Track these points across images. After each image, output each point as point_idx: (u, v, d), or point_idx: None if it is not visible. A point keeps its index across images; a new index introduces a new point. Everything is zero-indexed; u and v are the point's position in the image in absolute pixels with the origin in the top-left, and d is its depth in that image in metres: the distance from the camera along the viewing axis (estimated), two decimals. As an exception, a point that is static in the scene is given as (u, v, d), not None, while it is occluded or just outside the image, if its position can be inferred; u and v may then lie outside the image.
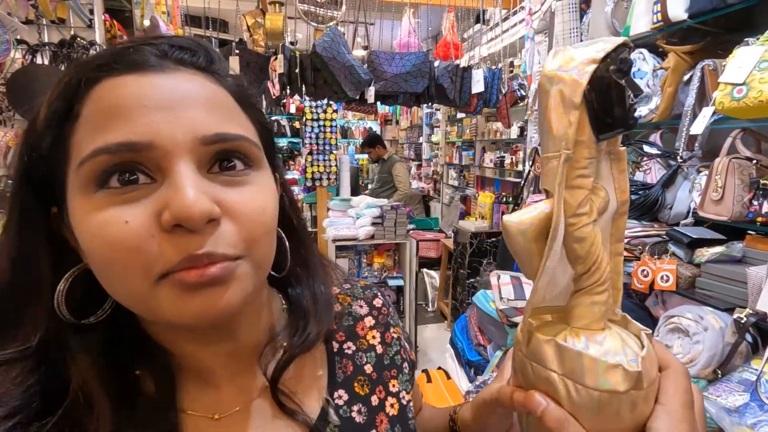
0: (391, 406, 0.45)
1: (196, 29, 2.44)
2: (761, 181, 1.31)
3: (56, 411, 0.30)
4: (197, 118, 0.30)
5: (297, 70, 2.01)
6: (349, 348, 0.46)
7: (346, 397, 0.43)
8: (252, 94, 0.37)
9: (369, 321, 0.49)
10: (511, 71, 2.87)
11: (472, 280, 3.16)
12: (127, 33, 1.80)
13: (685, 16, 1.48)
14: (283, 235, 0.39)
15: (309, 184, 3.14)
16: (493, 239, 3.14)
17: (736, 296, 1.28)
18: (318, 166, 3.12)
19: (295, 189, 5.88)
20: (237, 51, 1.94)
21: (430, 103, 2.48)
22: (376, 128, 7.09)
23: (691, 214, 1.52)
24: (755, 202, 1.31)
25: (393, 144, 7.57)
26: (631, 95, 0.33)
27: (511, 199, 3.23)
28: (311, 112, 3.00)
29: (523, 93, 2.49)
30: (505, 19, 3.11)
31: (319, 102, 2.95)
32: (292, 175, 6.58)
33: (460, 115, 4.52)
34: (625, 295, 1.72)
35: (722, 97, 1.21)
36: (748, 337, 1.26)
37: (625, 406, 0.32)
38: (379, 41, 2.98)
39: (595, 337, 0.35)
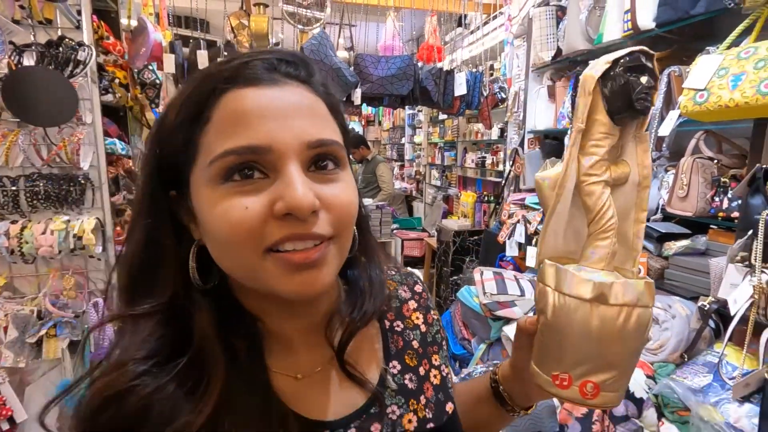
0: (434, 376, 0.52)
1: (181, 30, 2.43)
2: (722, 179, 1.41)
3: (182, 358, 0.37)
4: (304, 126, 0.37)
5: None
6: (398, 326, 0.53)
7: (399, 367, 0.49)
8: (337, 101, 0.44)
9: (412, 304, 0.55)
10: (491, 74, 2.96)
11: (455, 277, 3.24)
12: (113, 33, 1.79)
13: (652, 25, 1.58)
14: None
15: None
16: (476, 237, 3.23)
17: (701, 286, 1.38)
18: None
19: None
20: (225, 52, 1.95)
21: (414, 105, 2.54)
22: (358, 129, 7.12)
23: (660, 210, 1.62)
24: (717, 199, 1.42)
25: (375, 144, 7.61)
26: (638, 89, 0.43)
27: (492, 198, 3.32)
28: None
29: (504, 95, 2.58)
30: (485, 23, 3.20)
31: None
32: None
33: (441, 117, 4.60)
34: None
35: (686, 101, 1.31)
36: (712, 323, 1.36)
37: (594, 320, 0.42)
38: (363, 43, 3.03)
39: (591, 269, 0.46)
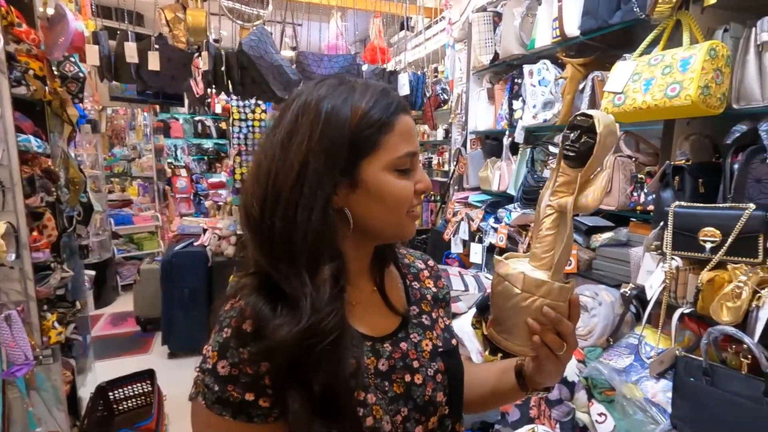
0: (443, 321, 0.70)
1: (108, 21, 2.27)
2: (639, 176, 1.54)
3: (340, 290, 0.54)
4: (417, 141, 0.59)
5: (223, 68, 1.96)
6: (416, 285, 0.71)
7: (417, 310, 0.68)
8: None
9: (426, 273, 0.74)
10: (436, 77, 3.03)
11: (404, 276, 3.27)
12: (27, 21, 1.63)
13: (578, 32, 1.69)
14: None
15: (238, 185, 3.05)
16: (424, 236, 3.28)
17: (623, 274, 1.50)
18: (247, 167, 3.04)
19: (223, 192, 5.64)
20: (157, 46, 1.85)
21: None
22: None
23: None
24: (635, 194, 1.54)
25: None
26: (566, 143, 0.59)
27: (438, 197, 3.39)
28: (238, 112, 2.92)
29: (446, 97, 2.64)
30: (428, 27, 3.27)
31: (246, 102, 2.88)
32: (219, 177, 6.29)
33: (389, 118, 4.65)
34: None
35: (607, 104, 1.41)
36: (633, 308, 1.48)
37: (519, 300, 0.58)
38: (307, 42, 2.99)
39: (529, 266, 0.60)
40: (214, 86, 2.04)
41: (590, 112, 0.55)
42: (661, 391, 1.23)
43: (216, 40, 3.08)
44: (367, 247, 0.62)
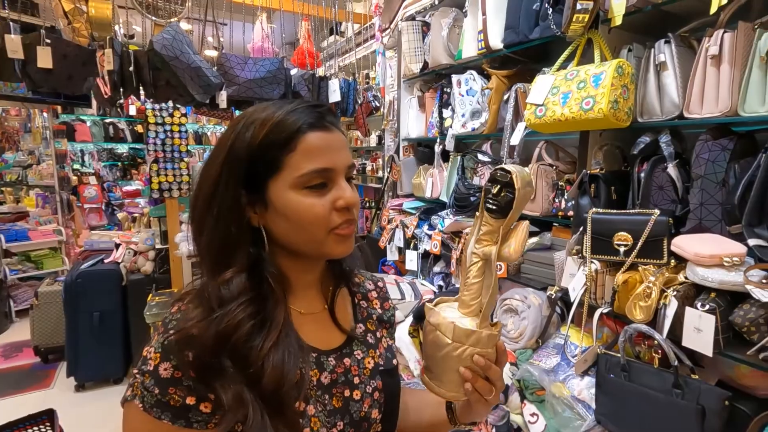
0: (385, 342, 0.72)
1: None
2: (559, 183, 1.63)
3: (263, 299, 0.55)
4: (345, 155, 0.59)
5: (131, 68, 1.76)
6: (363, 304, 0.73)
7: (363, 328, 0.69)
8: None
9: (374, 293, 0.76)
10: (368, 83, 3.01)
11: (341, 284, 3.21)
12: None
13: (501, 45, 1.76)
14: None
15: (156, 195, 2.79)
16: (359, 243, 3.25)
17: (549, 277, 1.57)
18: (166, 175, 2.79)
19: (141, 201, 5.17)
20: (48, 41, 1.61)
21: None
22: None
23: (514, 211, 1.80)
24: (557, 200, 1.63)
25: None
26: (487, 195, 0.61)
27: (374, 203, 3.37)
28: (154, 116, 2.68)
29: (378, 104, 2.63)
30: (358, 33, 3.25)
31: (163, 105, 2.65)
32: (135, 185, 5.77)
33: (322, 123, 4.57)
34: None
35: (529, 115, 1.48)
36: (558, 309, 1.56)
37: (450, 350, 0.59)
38: (230, 43, 2.82)
39: (458, 313, 0.62)
40: (121, 88, 1.83)
41: (508, 167, 0.59)
42: (585, 388, 1.30)
43: (130, 36, 2.81)
44: (306, 263, 0.63)
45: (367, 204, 3.44)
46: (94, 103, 4.25)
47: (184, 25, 2.66)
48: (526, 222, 0.60)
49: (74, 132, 5.40)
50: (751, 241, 1.06)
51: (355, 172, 0.65)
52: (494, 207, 0.59)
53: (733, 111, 1.12)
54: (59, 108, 4.93)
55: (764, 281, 1.00)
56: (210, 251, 0.57)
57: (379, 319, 0.73)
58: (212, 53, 2.98)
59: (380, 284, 0.79)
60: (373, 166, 3.51)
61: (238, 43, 2.91)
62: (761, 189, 1.07)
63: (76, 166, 5.61)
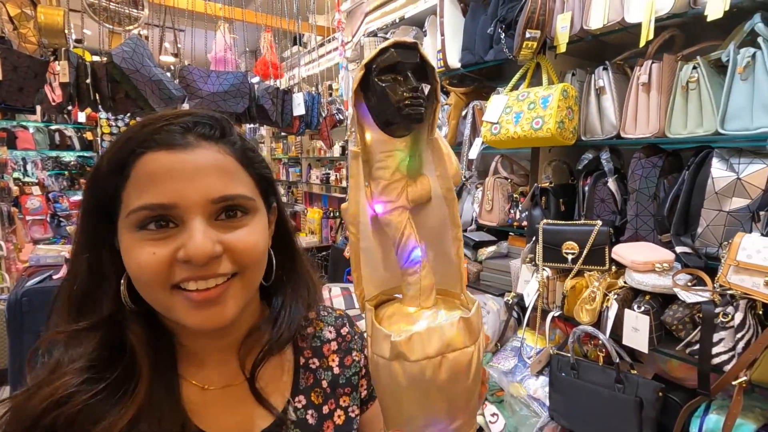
0: (338, 416, 0.56)
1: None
2: (514, 195, 1.74)
3: (117, 366, 0.43)
4: (209, 185, 0.42)
5: (88, 81, 1.71)
6: (314, 363, 0.56)
7: (304, 401, 0.53)
8: (253, 151, 0.49)
9: (333, 345, 0.59)
10: (330, 94, 3.06)
11: (306, 295, 3.21)
12: None
13: (458, 65, 1.86)
14: (272, 252, 0.51)
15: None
16: (324, 253, 3.26)
17: (506, 284, 1.67)
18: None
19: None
20: (-3, 51, 1.54)
21: (251, 123, 2.44)
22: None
23: (474, 221, 1.90)
24: (512, 211, 1.74)
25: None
26: (398, 94, 0.37)
27: (338, 213, 3.41)
28: (109, 126, 2.58)
29: (341, 117, 2.68)
30: (321, 44, 3.29)
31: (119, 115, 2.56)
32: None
33: (284, 132, 4.55)
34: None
35: (485, 132, 1.58)
36: (515, 314, 1.66)
37: (401, 378, 0.39)
38: (190, 50, 2.78)
39: (410, 309, 0.43)
40: (77, 100, 1.77)
41: (396, 41, 0.38)
42: (540, 387, 1.40)
43: (78, 41, 2.70)
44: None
45: (332, 214, 3.46)
46: (38, 109, 4.02)
47: (141, 32, 2.59)
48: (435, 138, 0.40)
49: (15, 139, 5.07)
50: (678, 249, 1.19)
51: (247, 204, 0.45)
52: (416, 108, 0.39)
53: (661, 132, 1.26)
54: (-2, 114, 4.62)
55: (689, 284, 1.13)
56: (69, 294, 0.45)
57: (333, 383, 0.56)
58: (169, 58, 2.92)
59: (344, 330, 0.60)
60: (336, 176, 3.54)
61: (199, 51, 2.87)
62: (685, 202, 1.21)
63: (17, 176, 5.25)
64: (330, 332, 0.59)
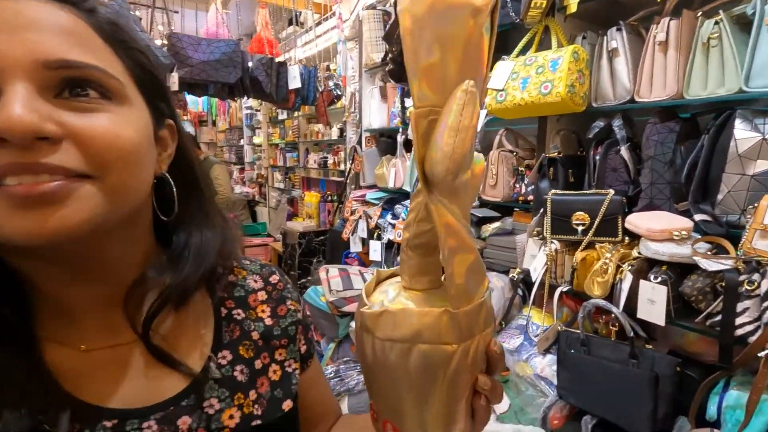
0: (274, 372, 0.47)
1: None
2: (519, 169, 1.67)
3: None
4: (41, 42, 0.30)
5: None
6: (238, 314, 0.47)
7: (230, 357, 0.44)
8: (128, 34, 0.37)
9: (261, 295, 0.50)
10: (328, 70, 2.96)
11: (303, 280, 3.14)
12: None
13: (462, 34, 1.78)
14: (171, 180, 0.41)
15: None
16: (321, 238, 3.19)
17: (510, 260, 1.60)
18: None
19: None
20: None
21: (245, 97, 2.35)
22: (189, 130, 6.39)
23: (477, 197, 1.83)
24: (517, 185, 1.67)
25: (211, 147, 6.95)
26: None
27: (336, 197, 3.33)
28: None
29: (339, 92, 2.60)
30: (318, 23, 3.20)
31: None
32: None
33: (281, 117, 4.45)
34: (435, 274, 1.96)
35: (491, 100, 1.50)
36: (520, 291, 1.59)
37: (368, 350, 0.37)
38: (182, 30, 2.69)
39: (398, 292, 0.38)
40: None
41: None
42: (547, 365, 1.33)
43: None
44: (57, 262, 0.34)
45: (330, 198, 3.39)
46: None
47: (133, 13, 2.50)
48: (465, 84, 0.30)
49: None
50: (697, 217, 1.12)
51: (105, 82, 0.33)
52: (391, 65, 0.33)
53: (679, 94, 1.18)
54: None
55: (709, 252, 1.06)
56: None
57: (265, 335, 0.47)
58: (163, 41, 2.82)
59: (274, 278, 0.52)
60: (334, 159, 3.46)
61: (191, 32, 2.78)
62: (704, 168, 1.13)
63: None
64: (255, 281, 0.51)
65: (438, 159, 0.32)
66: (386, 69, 0.33)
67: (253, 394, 0.44)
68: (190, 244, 0.42)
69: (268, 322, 0.49)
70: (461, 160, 0.31)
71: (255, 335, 0.47)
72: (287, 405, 0.46)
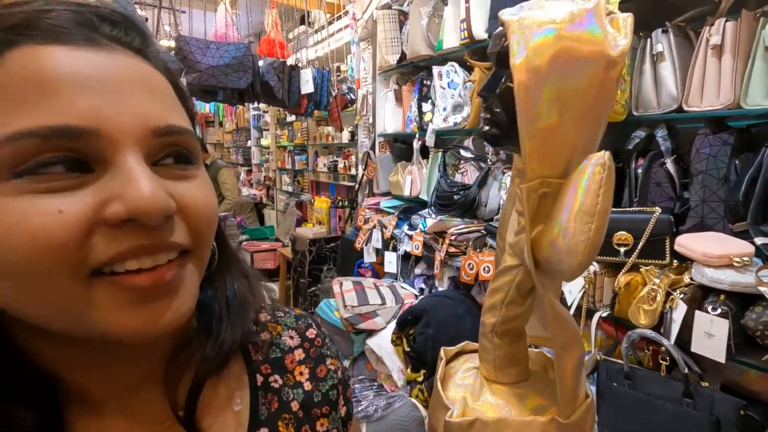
0: None
1: None
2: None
3: None
4: (146, 106, 0.27)
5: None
6: (276, 381, 0.41)
7: None
8: (179, 82, 0.34)
9: (299, 354, 0.44)
10: (339, 75, 2.87)
11: (313, 288, 3.06)
12: None
13: (485, 35, 1.67)
14: None
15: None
16: (332, 245, 3.10)
17: (539, 279, 1.50)
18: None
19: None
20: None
21: (256, 102, 2.27)
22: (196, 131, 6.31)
23: (500, 209, 1.73)
24: (546, 198, 1.56)
25: (218, 148, 6.90)
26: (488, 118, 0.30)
27: (347, 202, 3.24)
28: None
29: (353, 96, 2.50)
30: (330, 23, 3.10)
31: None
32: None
33: (290, 119, 4.37)
34: (453, 287, 1.86)
35: (520, 107, 1.39)
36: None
37: None
38: (189, 32, 2.60)
39: (483, 387, 0.34)
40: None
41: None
42: (584, 397, 1.23)
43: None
44: (94, 345, 0.29)
45: (340, 203, 3.29)
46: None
47: (139, 13, 2.42)
48: (602, 157, 0.26)
49: None
50: (758, 240, 1.01)
51: (195, 148, 0.31)
52: (489, 127, 0.30)
53: (736, 103, 1.07)
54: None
55: (775, 282, 0.95)
56: None
57: (305, 404, 0.42)
58: (168, 43, 2.74)
59: (311, 333, 0.46)
60: (345, 163, 3.36)
61: (199, 33, 2.69)
62: (765, 186, 1.02)
63: None
64: (291, 337, 0.45)
65: (567, 249, 0.26)
66: (481, 130, 0.27)
67: None
68: (219, 298, 0.37)
69: (307, 386, 0.43)
70: (596, 251, 0.26)
71: (294, 405, 0.41)
72: None
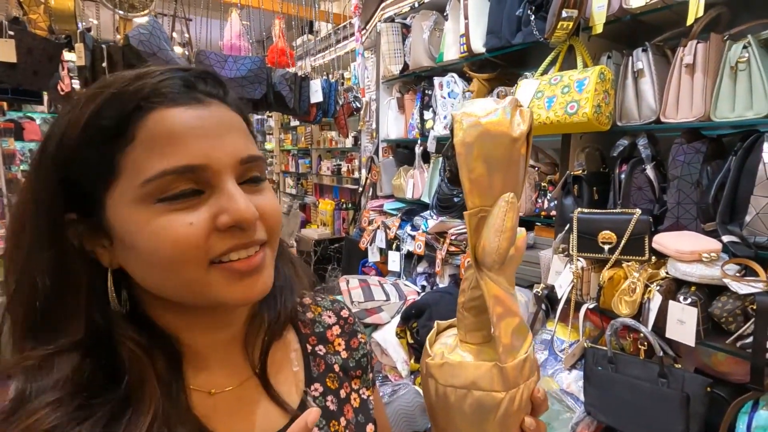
0: (354, 400, 0.53)
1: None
2: (542, 184, 1.69)
3: (111, 388, 0.36)
4: (235, 144, 0.39)
5: (104, 65, 1.66)
6: (320, 350, 0.54)
7: (321, 389, 0.51)
8: (249, 116, 0.45)
9: (336, 330, 0.57)
10: (342, 83, 3.00)
11: (318, 287, 3.18)
12: None
13: (483, 49, 1.80)
14: None
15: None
16: (336, 245, 3.22)
17: (533, 275, 1.62)
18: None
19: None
20: (11, 33, 1.49)
21: (268, 111, 2.39)
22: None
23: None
24: (539, 200, 1.69)
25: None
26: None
27: (351, 205, 3.36)
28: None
29: (359, 105, 2.63)
30: (335, 32, 3.23)
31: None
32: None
33: (293, 123, 4.49)
34: (454, 283, 1.99)
35: (515, 117, 1.52)
36: (543, 306, 1.61)
37: (427, 383, 0.46)
38: (203, 40, 2.73)
39: (456, 345, 0.48)
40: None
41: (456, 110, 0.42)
42: (573, 381, 1.35)
43: (88, 29, 2.65)
44: (209, 316, 0.43)
45: (344, 205, 3.42)
46: (45, 99, 3.98)
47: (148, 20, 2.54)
48: (507, 196, 0.40)
49: (22, 130, 5.03)
50: (725, 238, 1.14)
51: (263, 168, 0.43)
52: (448, 175, 0.47)
53: (706, 116, 1.20)
54: (5, 104, 4.58)
55: (738, 274, 1.07)
56: (26, 312, 0.37)
57: (344, 368, 0.54)
58: (178, 50, 2.86)
59: (344, 313, 0.59)
60: (348, 167, 3.49)
61: (206, 39, 2.81)
62: (732, 190, 1.15)
63: (25, 168, 5.23)
64: (330, 317, 0.58)
65: (487, 252, 0.42)
66: (445, 175, 0.40)
67: (343, 421, 0.50)
68: (276, 284, 0.47)
69: (344, 355, 0.55)
70: (505, 253, 0.41)
71: (336, 368, 0.54)
72: (370, 428, 0.53)
